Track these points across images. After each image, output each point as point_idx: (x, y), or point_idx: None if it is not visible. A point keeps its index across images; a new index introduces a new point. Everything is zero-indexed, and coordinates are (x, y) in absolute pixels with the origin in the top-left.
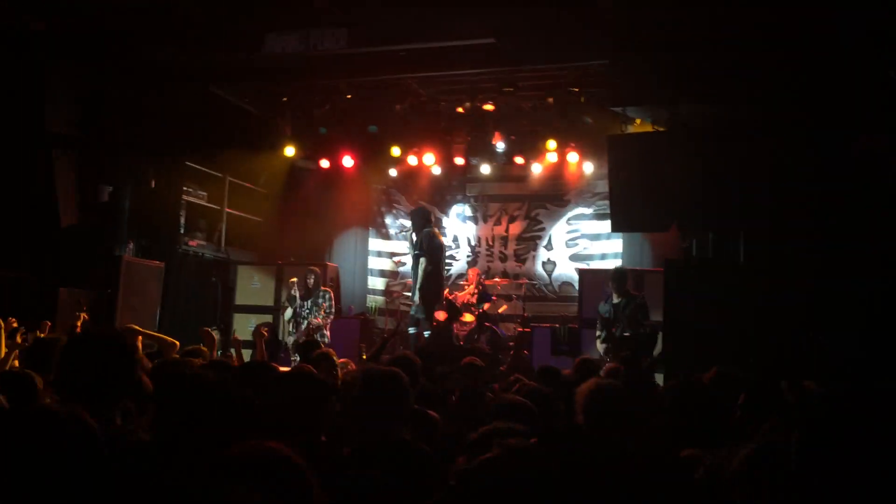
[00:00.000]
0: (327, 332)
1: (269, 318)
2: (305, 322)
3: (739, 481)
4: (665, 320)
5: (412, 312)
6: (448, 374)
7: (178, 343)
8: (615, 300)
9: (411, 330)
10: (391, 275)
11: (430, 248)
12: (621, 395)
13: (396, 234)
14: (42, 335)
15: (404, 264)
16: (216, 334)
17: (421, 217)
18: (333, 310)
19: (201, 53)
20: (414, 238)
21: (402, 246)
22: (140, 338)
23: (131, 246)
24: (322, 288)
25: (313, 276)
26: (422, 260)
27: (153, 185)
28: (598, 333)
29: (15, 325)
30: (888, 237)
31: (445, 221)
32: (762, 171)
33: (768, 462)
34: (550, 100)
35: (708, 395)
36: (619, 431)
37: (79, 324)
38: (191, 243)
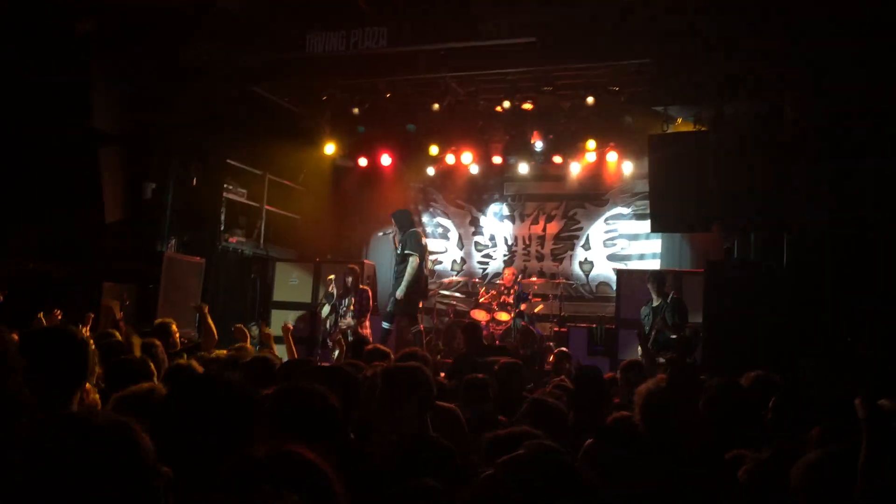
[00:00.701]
0: (365, 332)
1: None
2: (340, 320)
3: (803, 488)
4: (705, 321)
5: (389, 309)
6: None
7: (216, 337)
8: (654, 303)
9: (385, 325)
10: (428, 273)
11: (417, 248)
12: (678, 398)
13: (433, 232)
14: (85, 328)
15: (441, 262)
16: (251, 331)
17: (405, 218)
18: (369, 308)
19: (243, 53)
20: (398, 238)
21: (440, 244)
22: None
23: (173, 242)
24: (360, 286)
25: (352, 276)
26: (411, 259)
27: (195, 183)
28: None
29: (60, 317)
30: None
31: (483, 220)
32: (808, 173)
33: (832, 471)
34: (590, 99)
35: (744, 397)
36: (676, 433)
37: (119, 317)
38: (231, 240)
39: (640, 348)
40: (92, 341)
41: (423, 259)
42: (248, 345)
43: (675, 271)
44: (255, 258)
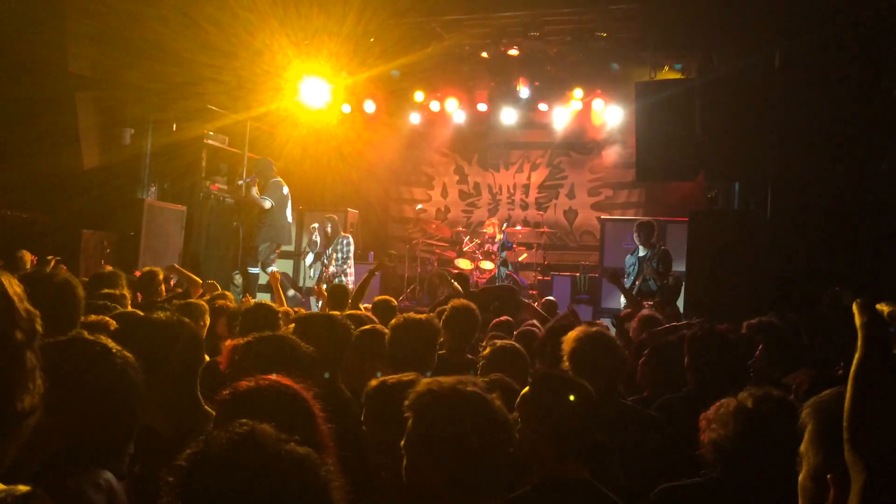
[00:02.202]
0: (347, 279)
1: (290, 263)
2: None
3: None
4: (688, 270)
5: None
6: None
7: (200, 281)
8: (641, 252)
9: (253, 270)
10: (413, 222)
11: (276, 195)
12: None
13: (417, 180)
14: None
15: (425, 211)
16: (234, 279)
17: (268, 168)
18: (351, 255)
19: None
20: (254, 186)
21: (423, 193)
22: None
23: (153, 189)
24: (342, 233)
25: (330, 224)
26: (273, 207)
27: (174, 129)
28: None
29: (53, 262)
30: None
31: (467, 169)
32: (794, 122)
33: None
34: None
35: (723, 345)
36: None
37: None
38: (212, 187)
39: (622, 297)
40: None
41: (284, 208)
42: (229, 293)
43: (659, 220)
44: (238, 206)
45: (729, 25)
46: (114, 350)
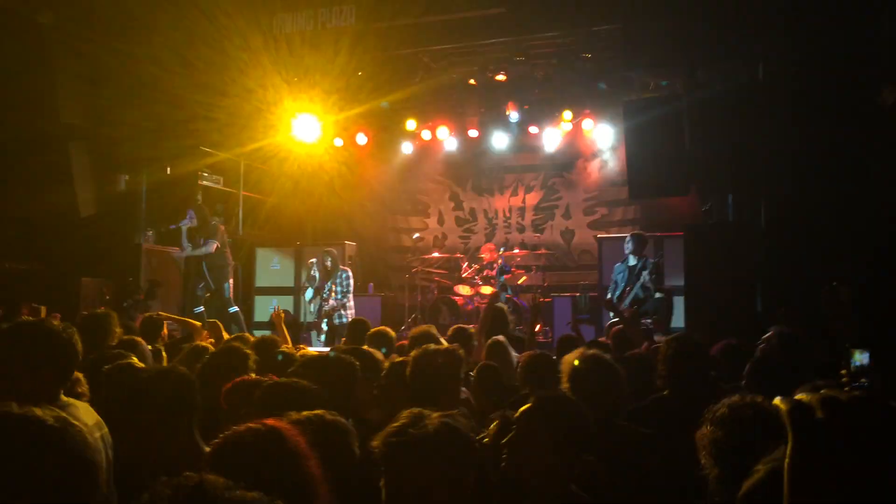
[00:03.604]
0: (347, 313)
1: (289, 299)
2: (324, 303)
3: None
4: (686, 284)
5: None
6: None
7: (199, 324)
8: (631, 262)
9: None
10: (411, 251)
11: (216, 236)
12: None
13: (413, 209)
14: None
15: (423, 239)
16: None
17: (204, 212)
18: (351, 289)
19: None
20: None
21: (420, 221)
22: (166, 323)
23: (150, 233)
24: (341, 267)
25: (329, 258)
26: (217, 248)
27: (168, 172)
28: (608, 295)
29: (44, 313)
30: None
31: (462, 195)
32: (782, 134)
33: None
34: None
35: (700, 359)
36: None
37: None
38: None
39: (610, 310)
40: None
41: (224, 246)
42: (222, 338)
43: (656, 236)
44: (235, 244)
45: (711, 42)
46: (53, 425)
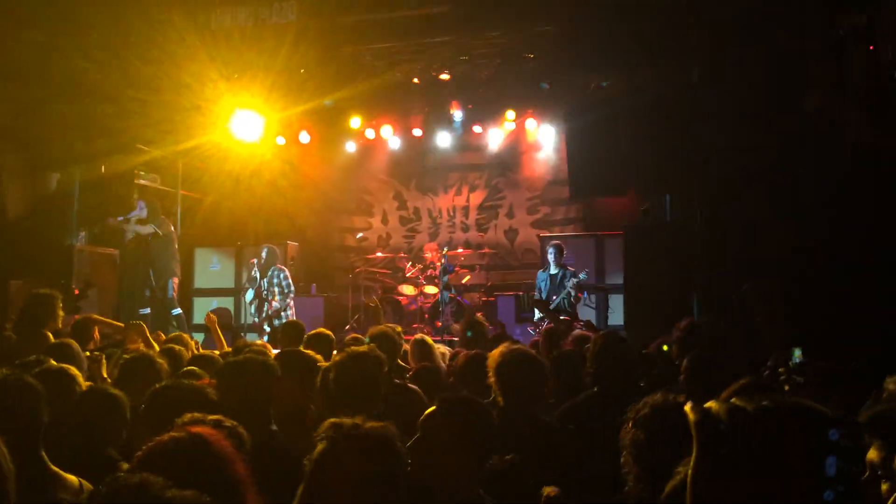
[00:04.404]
0: (290, 313)
1: (230, 300)
2: (266, 305)
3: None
4: (625, 282)
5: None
6: None
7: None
8: (552, 270)
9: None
10: (355, 250)
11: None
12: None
13: (357, 208)
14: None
15: (366, 239)
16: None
17: (154, 203)
18: (292, 289)
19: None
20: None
21: (364, 221)
22: (97, 328)
23: (83, 234)
24: (277, 266)
25: (265, 252)
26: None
27: (102, 169)
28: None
29: None
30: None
31: (406, 194)
32: (715, 137)
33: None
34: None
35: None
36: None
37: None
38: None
39: (536, 310)
40: None
41: (172, 240)
42: (148, 340)
43: (597, 235)
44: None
45: (647, 45)
46: None
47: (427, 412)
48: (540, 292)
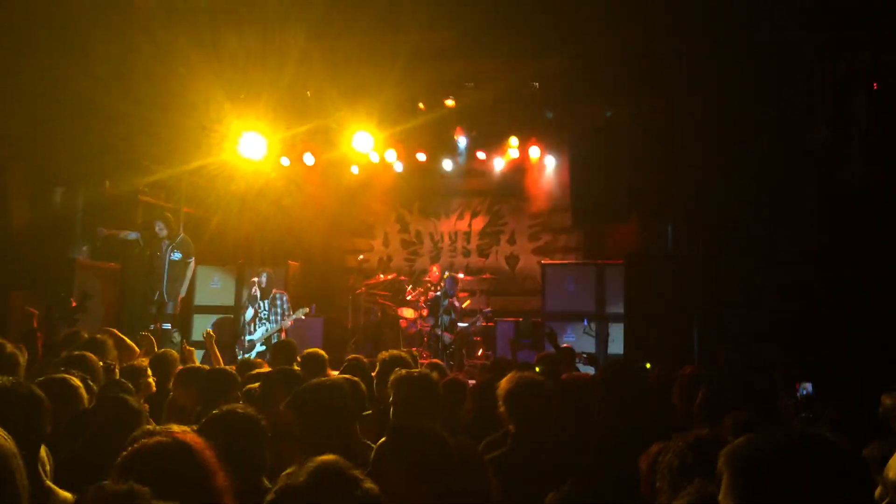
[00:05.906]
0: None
1: (229, 318)
2: (266, 325)
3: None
4: (626, 311)
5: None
6: None
7: (136, 348)
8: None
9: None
10: (356, 272)
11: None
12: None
13: (358, 229)
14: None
15: (368, 261)
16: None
17: (171, 222)
18: (290, 312)
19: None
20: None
21: (365, 243)
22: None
23: (85, 248)
24: (276, 291)
25: (265, 276)
26: (189, 263)
27: (107, 185)
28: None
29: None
30: (844, 227)
31: (408, 217)
32: (719, 166)
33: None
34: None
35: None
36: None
37: (35, 326)
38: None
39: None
40: None
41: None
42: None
43: (598, 263)
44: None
45: (652, 76)
46: None
47: (378, 443)
48: None
